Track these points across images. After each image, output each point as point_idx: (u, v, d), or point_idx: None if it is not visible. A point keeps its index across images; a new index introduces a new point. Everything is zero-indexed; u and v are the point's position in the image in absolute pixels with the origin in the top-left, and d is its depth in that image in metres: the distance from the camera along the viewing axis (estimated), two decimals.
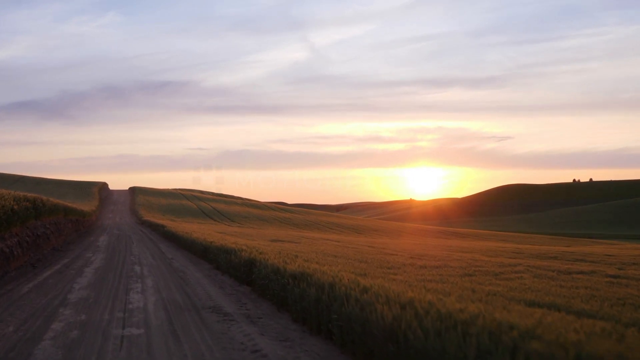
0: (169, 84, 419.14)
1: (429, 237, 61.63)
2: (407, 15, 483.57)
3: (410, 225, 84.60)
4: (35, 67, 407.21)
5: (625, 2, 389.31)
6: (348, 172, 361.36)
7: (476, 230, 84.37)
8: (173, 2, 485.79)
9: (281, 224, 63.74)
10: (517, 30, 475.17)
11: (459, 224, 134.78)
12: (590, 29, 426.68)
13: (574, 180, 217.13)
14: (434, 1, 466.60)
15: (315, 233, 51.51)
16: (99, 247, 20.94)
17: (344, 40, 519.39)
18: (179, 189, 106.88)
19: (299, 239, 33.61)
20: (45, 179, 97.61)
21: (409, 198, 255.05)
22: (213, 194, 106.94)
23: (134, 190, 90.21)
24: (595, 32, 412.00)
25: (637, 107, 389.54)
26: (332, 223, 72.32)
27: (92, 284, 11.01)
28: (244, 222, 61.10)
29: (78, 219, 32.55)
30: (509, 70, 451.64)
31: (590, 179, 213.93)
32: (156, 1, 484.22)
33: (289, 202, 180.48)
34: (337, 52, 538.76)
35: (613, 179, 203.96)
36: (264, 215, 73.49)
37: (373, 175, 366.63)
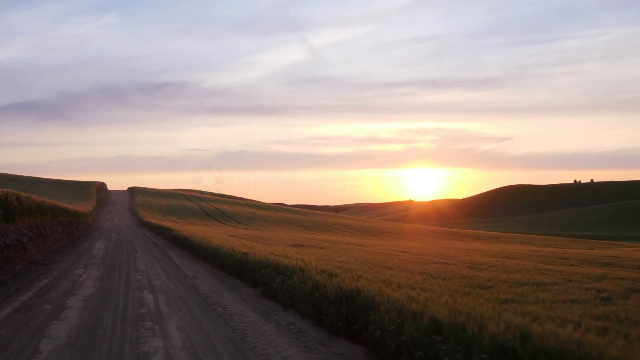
0: (167, 84, 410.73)
1: (446, 239, 57.05)
2: (405, 16, 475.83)
3: (421, 227, 79.84)
4: (33, 68, 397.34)
5: (624, 3, 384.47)
6: (347, 173, 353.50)
7: (488, 232, 79.70)
8: (172, 3, 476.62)
9: (290, 226, 58.80)
10: (516, 32, 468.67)
11: (462, 225, 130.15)
12: (589, 30, 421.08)
13: (575, 181, 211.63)
14: (432, 2, 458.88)
15: (329, 235, 46.77)
16: (93, 257, 15.90)
17: (343, 41, 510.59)
18: (179, 189, 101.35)
19: (320, 243, 28.84)
20: (41, 178, 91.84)
21: (408, 199, 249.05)
22: (214, 194, 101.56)
23: (133, 191, 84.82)
24: (594, 33, 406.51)
25: (636, 108, 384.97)
26: (342, 225, 67.47)
27: (75, 339, 6.04)
28: (250, 224, 56.11)
29: (71, 221, 27.47)
30: (507, 71, 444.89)
31: (592, 180, 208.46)
32: (155, 2, 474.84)
33: (288, 202, 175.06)
34: (336, 53, 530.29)
35: (611, 179, 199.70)
36: (270, 216, 68.40)
37: (372, 176, 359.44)
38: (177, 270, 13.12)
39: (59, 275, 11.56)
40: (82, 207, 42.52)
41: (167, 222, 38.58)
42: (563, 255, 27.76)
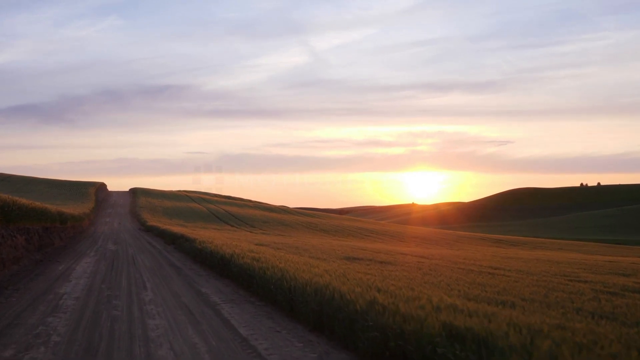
0: (168, 88, 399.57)
1: (482, 245, 49.29)
2: (406, 19, 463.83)
3: (446, 232, 71.73)
4: (34, 71, 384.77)
5: (624, 7, 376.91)
6: (348, 176, 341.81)
7: (512, 236, 71.83)
8: (173, 7, 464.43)
9: (310, 230, 50.60)
10: (516, 35, 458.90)
11: (467, 228, 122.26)
12: (589, 33, 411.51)
13: (581, 184, 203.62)
14: (433, 6, 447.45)
15: (362, 242, 38.87)
16: (57, 308, 7.59)
17: (344, 44, 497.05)
18: (184, 191, 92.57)
19: (372, 254, 20.84)
20: (36, 178, 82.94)
21: (411, 202, 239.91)
22: (220, 196, 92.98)
23: (134, 192, 76.29)
24: (594, 37, 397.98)
25: (637, 112, 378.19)
26: (363, 229, 59.34)
27: None
28: (267, 228, 47.83)
29: (50, 227, 19.12)
30: (508, 74, 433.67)
31: (598, 183, 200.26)
32: (156, 5, 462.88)
33: (290, 205, 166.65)
34: (337, 57, 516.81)
35: (612, 183, 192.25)
36: (284, 219, 60.07)
37: (373, 179, 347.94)
38: None
39: None
40: (76, 208, 34.21)
41: (175, 227, 30.50)
42: None
